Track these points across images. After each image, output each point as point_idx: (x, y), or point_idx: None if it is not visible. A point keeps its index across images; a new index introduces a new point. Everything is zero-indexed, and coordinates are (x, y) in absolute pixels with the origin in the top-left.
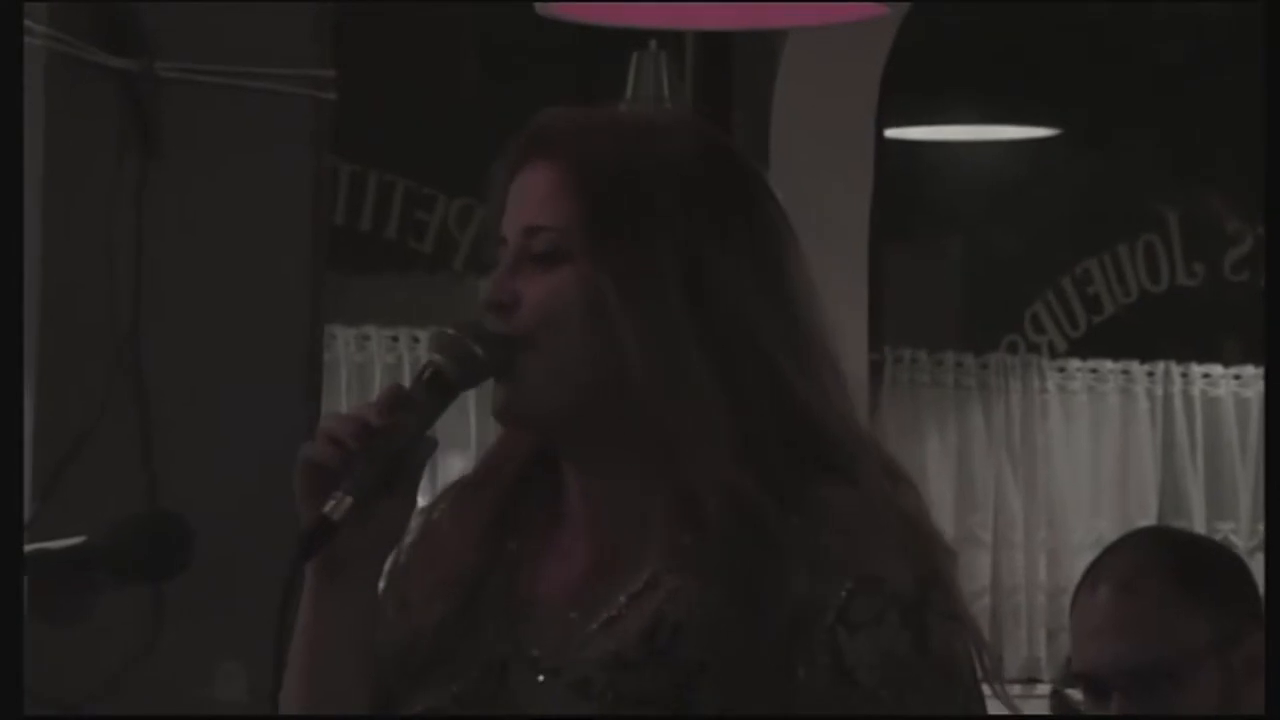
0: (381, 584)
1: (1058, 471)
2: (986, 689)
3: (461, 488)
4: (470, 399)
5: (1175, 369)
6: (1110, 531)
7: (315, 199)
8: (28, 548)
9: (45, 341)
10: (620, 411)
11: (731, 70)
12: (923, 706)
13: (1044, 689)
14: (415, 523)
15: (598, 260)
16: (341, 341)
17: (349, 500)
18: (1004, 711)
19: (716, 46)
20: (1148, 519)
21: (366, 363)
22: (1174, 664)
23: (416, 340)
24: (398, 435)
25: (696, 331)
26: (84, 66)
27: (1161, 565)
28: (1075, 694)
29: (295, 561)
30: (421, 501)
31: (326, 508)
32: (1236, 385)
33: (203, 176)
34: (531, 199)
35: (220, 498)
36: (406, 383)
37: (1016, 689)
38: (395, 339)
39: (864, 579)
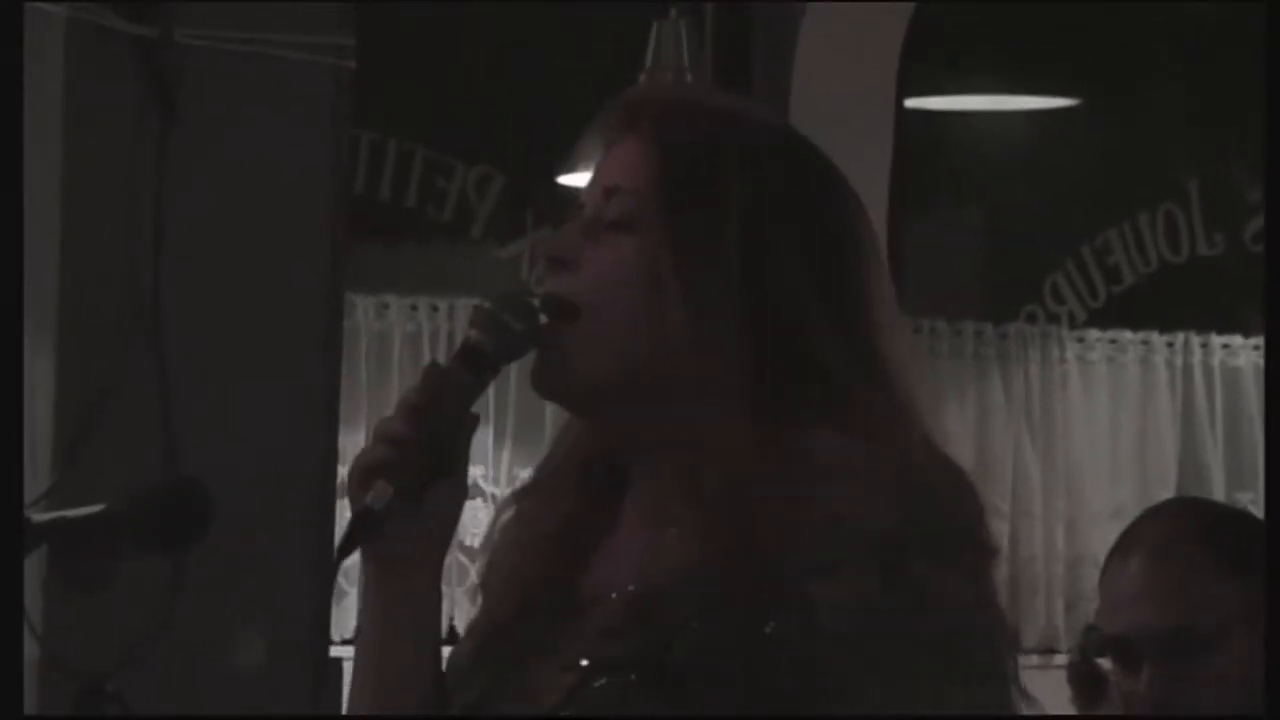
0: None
1: (1077, 442)
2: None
3: (523, 496)
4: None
5: (1195, 339)
6: (1129, 502)
7: (335, 167)
8: (47, 515)
9: (66, 310)
10: (658, 390)
11: (751, 39)
12: (898, 653)
13: (1062, 659)
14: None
15: (663, 230)
16: (361, 310)
17: (389, 490)
18: (1027, 684)
19: (736, 15)
20: (1167, 490)
21: (386, 331)
22: (1204, 632)
23: (436, 309)
24: (438, 415)
25: (744, 315)
26: (104, 33)
27: (1194, 533)
28: (1103, 662)
29: (338, 555)
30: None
31: (368, 498)
32: (1256, 355)
33: (222, 145)
34: (614, 165)
35: (239, 466)
36: (426, 355)
37: (1034, 659)
38: (414, 308)
39: (828, 518)
